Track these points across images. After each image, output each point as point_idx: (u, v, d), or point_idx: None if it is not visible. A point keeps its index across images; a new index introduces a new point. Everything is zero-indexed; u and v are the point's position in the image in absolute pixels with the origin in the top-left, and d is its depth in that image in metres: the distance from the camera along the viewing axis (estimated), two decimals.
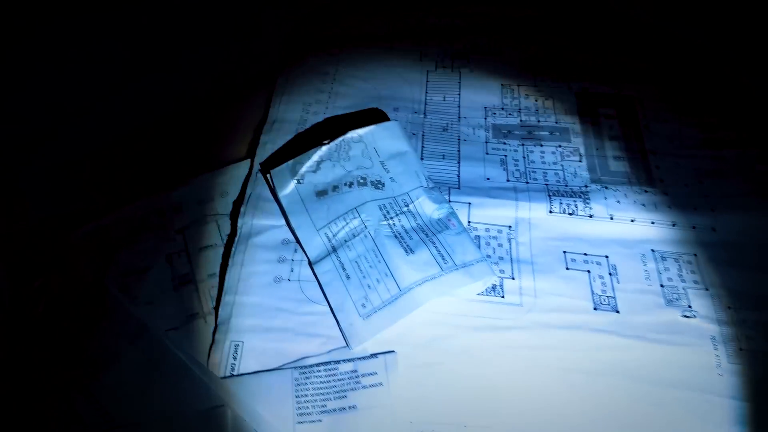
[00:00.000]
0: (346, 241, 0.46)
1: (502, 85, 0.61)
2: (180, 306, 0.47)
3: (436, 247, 0.45)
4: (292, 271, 0.47)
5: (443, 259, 0.45)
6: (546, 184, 0.52)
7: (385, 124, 0.53)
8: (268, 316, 0.45)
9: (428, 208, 0.48)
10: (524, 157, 0.55)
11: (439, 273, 0.44)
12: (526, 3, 0.68)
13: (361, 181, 0.49)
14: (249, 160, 0.54)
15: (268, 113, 0.58)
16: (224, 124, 0.59)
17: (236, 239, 0.49)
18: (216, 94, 0.62)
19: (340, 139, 0.51)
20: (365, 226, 0.46)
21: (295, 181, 0.50)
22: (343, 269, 0.45)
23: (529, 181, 0.53)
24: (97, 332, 0.44)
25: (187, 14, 0.68)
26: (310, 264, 0.47)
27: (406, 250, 0.45)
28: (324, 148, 0.51)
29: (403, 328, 0.44)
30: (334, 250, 0.46)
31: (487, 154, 0.55)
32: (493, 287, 0.46)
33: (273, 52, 0.65)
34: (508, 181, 0.53)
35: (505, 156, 0.55)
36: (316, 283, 0.46)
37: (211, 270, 0.49)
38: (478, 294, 0.45)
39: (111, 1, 0.65)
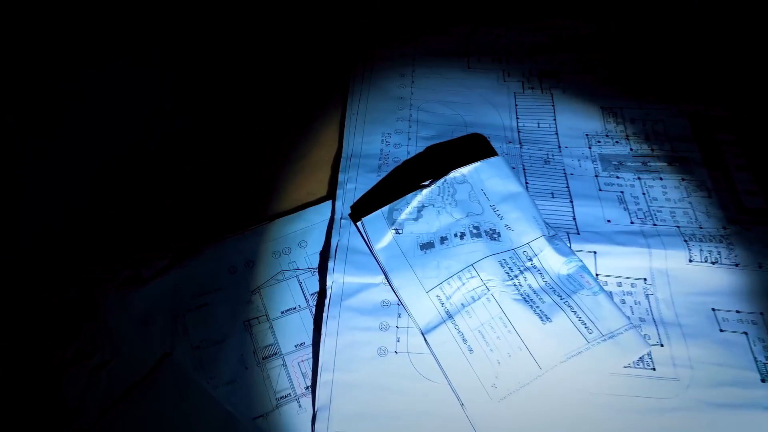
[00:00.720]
0: (464, 305, 0.39)
1: (601, 108, 0.54)
2: (268, 386, 0.39)
3: (574, 312, 0.38)
4: (398, 341, 0.40)
5: (586, 327, 0.37)
6: (677, 227, 0.45)
7: (491, 160, 0.45)
8: (376, 398, 0.38)
9: (555, 262, 0.41)
10: (644, 194, 0.48)
11: (585, 346, 0.37)
12: (612, 16, 0.62)
13: (474, 230, 0.42)
14: (330, 202, 0.47)
15: (343, 146, 0.51)
16: (291, 159, 0.52)
17: (327, 301, 0.41)
18: (276, 125, 0.54)
19: (442, 180, 0.44)
20: (487, 288, 0.39)
21: (393, 231, 0.42)
22: (464, 341, 0.38)
23: (656, 222, 0.46)
24: (174, 427, 0.37)
25: (235, 37, 0.61)
26: (422, 333, 0.39)
27: (541, 318, 0.38)
28: (424, 192, 0.43)
29: (543, 410, 0.37)
30: (450, 316, 0.39)
31: (600, 190, 0.48)
32: (641, 358, 0.39)
33: (334, 74, 0.58)
34: (632, 223, 0.46)
35: (622, 192, 0.48)
36: (430, 355, 0.39)
37: (297, 339, 0.41)
38: (625, 367, 0.38)
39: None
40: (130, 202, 0.49)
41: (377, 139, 0.52)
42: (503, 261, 0.40)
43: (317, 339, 0.40)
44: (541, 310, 0.38)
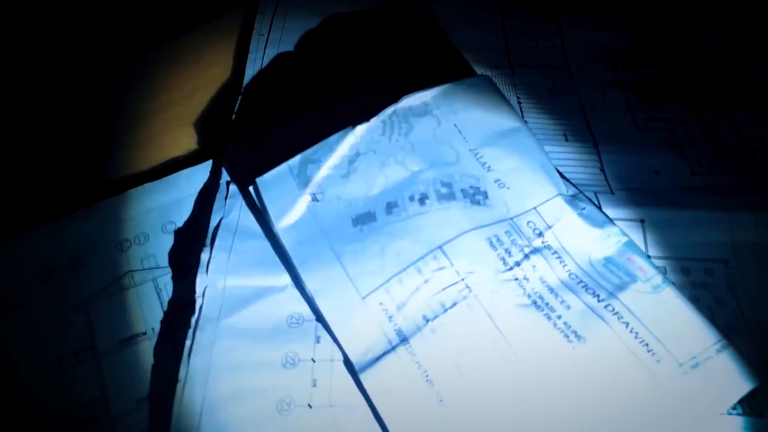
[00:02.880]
0: (428, 319, 0.22)
1: (626, 19, 0.38)
2: None
3: (626, 324, 0.21)
4: (314, 385, 0.23)
5: (649, 350, 0.21)
6: (765, 177, 0.29)
7: (470, 80, 0.29)
8: None
9: (582, 237, 0.24)
10: (705, 131, 0.32)
11: (651, 386, 0.20)
12: None
13: (444, 190, 0.25)
14: (211, 162, 0.30)
15: (244, 79, 0.34)
16: (157, 101, 0.34)
17: (195, 320, 0.24)
18: (137, 53, 0.37)
19: (390, 111, 0.27)
20: (468, 288, 0.22)
21: (308, 198, 0.25)
22: (429, 382, 0.21)
23: (730, 173, 0.29)
24: None
25: None
26: (353, 371, 0.23)
27: (566, 336, 0.21)
28: (359, 130, 0.26)
29: None
30: (404, 339, 0.22)
31: (638, 129, 0.32)
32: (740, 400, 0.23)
33: None
34: (694, 174, 0.29)
35: (672, 131, 0.31)
36: (368, 410, 0.22)
37: (142, 389, 0.24)
38: (721, 414, 0.22)
39: None
40: None
41: (296, 55, 0.35)
42: (495, 239, 0.23)
43: (171, 387, 0.23)
44: (566, 323, 0.21)
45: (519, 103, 0.33)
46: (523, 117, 0.31)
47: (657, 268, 0.23)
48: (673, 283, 0.23)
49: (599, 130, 0.31)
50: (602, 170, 0.29)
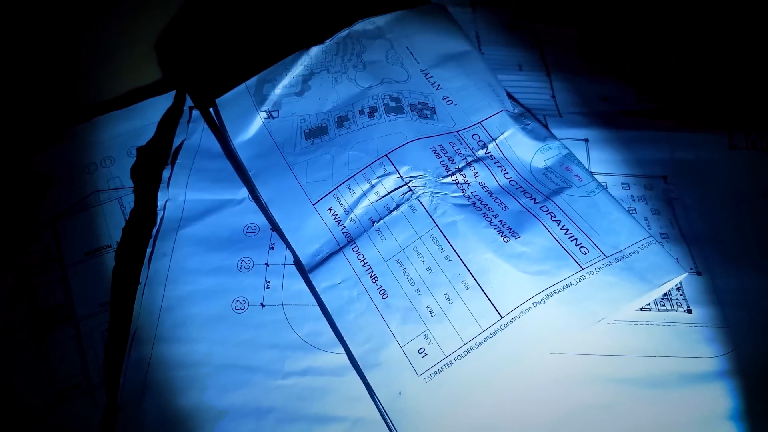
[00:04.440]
0: (373, 221, 0.24)
1: None
2: (45, 372, 0.23)
3: (558, 222, 0.23)
4: (268, 287, 0.24)
5: (578, 245, 0.22)
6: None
7: (424, 7, 0.29)
8: (225, 382, 0.22)
9: (524, 149, 0.25)
10: (653, 63, 0.32)
11: (577, 275, 0.21)
12: None
13: (393, 104, 0.26)
14: (174, 92, 0.31)
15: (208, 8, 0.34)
16: (127, 34, 0.35)
17: (156, 231, 0.25)
18: None
19: (344, 33, 0.28)
20: (411, 191, 0.24)
21: (264, 115, 0.26)
22: (373, 279, 0.23)
23: (675, 100, 0.30)
24: None
25: None
26: (303, 271, 0.24)
27: (501, 232, 0.22)
28: (313, 52, 0.27)
29: (505, 390, 0.21)
30: (351, 240, 0.23)
31: (590, 60, 0.32)
32: (667, 294, 0.24)
33: None
34: (640, 100, 0.31)
35: (623, 63, 0.32)
36: (316, 308, 0.23)
37: (105, 295, 0.25)
38: (641, 310, 0.23)
39: None
40: None
41: None
42: (439, 148, 0.25)
43: (133, 291, 0.24)
44: (501, 221, 0.23)
45: (477, 36, 0.34)
46: (480, 49, 0.32)
47: (593, 177, 0.25)
48: (606, 190, 0.25)
49: (553, 60, 0.32)
50: (553, 96, 0.30)
